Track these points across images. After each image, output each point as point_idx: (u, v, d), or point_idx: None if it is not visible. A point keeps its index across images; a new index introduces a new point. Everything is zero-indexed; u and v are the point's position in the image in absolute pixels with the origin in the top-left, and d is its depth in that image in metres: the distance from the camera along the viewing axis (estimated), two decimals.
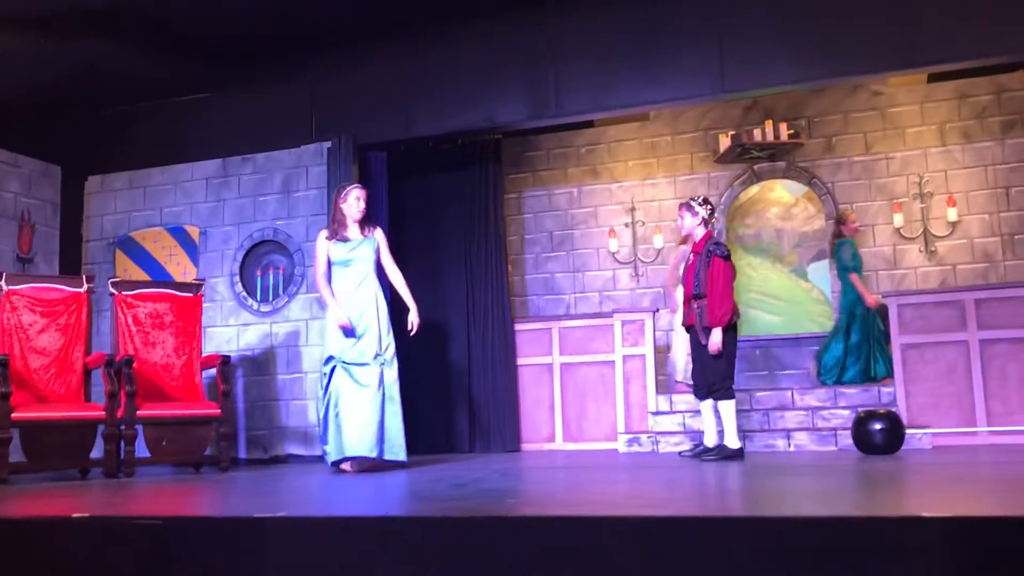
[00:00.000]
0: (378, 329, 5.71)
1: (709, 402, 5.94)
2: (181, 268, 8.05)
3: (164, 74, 7.86)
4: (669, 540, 2.47)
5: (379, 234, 5.94)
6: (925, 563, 2.22)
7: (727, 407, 5.82)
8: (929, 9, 6.44)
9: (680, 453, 6.20)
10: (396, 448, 5.64)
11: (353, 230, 5.85)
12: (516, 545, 2.59)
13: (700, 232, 6.02)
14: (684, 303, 6.10)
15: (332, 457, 5.62)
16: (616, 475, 4.88)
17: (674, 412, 7.28)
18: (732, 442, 5.80)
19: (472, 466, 5.92)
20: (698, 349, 5.94)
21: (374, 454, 5.53)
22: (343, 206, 5.85)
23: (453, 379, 7.90)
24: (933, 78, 8.40)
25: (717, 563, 2.39)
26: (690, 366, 6.45)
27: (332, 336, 5.71)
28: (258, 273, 7.90)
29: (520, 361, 7.82)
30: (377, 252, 5.87)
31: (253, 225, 7.93)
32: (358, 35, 7.66)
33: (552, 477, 4.84)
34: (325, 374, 5.71)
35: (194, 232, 8.08)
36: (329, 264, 5.80)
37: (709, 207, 6.05)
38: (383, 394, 5.62)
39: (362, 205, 5.86)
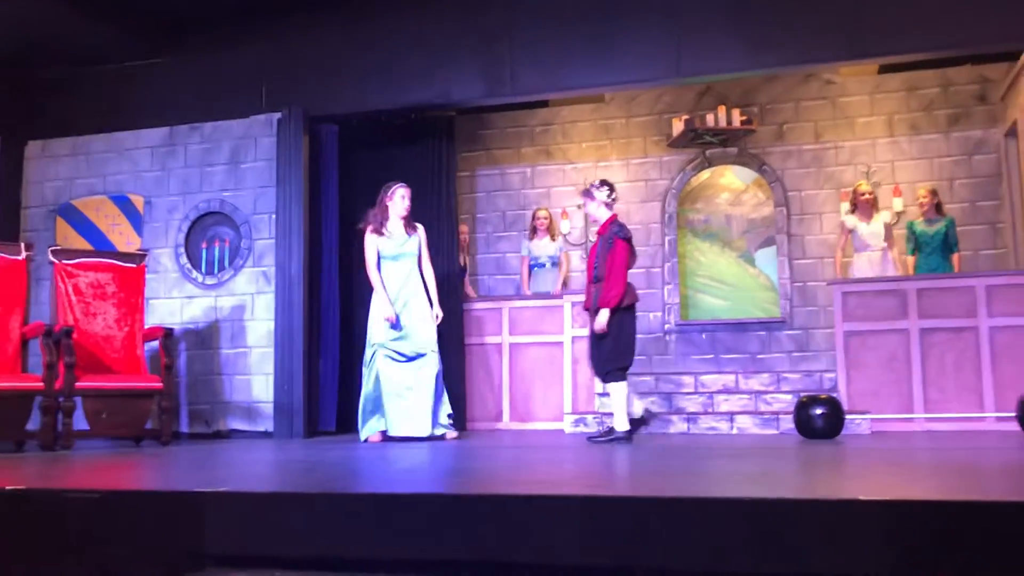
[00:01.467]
0: (425, 320, 6.31)
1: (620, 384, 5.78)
2: (124, 238, 7.87)
3: (110, 38, 7.65)
4: (611, 520, 2.49)
5: (421, 231, 6.51)
6: (861, 545, 2.26)
7: (617, 389, 5.76)
8: (879, 3, 6.52)
9: (588, 438, 5.92)
10: (444, 423, 6.32)
11: (397, 226, 6.38)
12: (462, 523, 2.58)
13: (604, 214, 5.93)
14: (587, 286, 6.00)
15: (366, 434, 6.28)
16: (562, 455, 4.90)
17: None
18: (621, 424, 5.73)
19: (419, 444, 5.91)
20: (594, 333, 5.83)
21: (425, 433, 6.14)
22: (389, 204, 6.37)
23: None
24: (883, 70, 8.53)
25: (656, 543, 2.41)
26: None
27: (376, 325, 6.30)
28: (204, 245, 7.76)
29: (469, 340, 7.80)
30: (419, 247, 6.41)
31: (199, 196, 7.78)
32: (313, 4, 7.53)
33: (499, 456, 4.84)
34: (368, 360, 6.32)
35: (138, 201, 7.91)
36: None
37: (608, 189, 5.97)
38: (435, 378, 6.24)
39: (407, 203, 6.42)
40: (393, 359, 6.27)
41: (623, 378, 5.78)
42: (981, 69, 8.32)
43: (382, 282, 6.34)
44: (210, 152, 7.82)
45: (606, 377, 5.83)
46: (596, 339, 5.82)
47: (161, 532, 2.79)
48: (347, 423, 7.76)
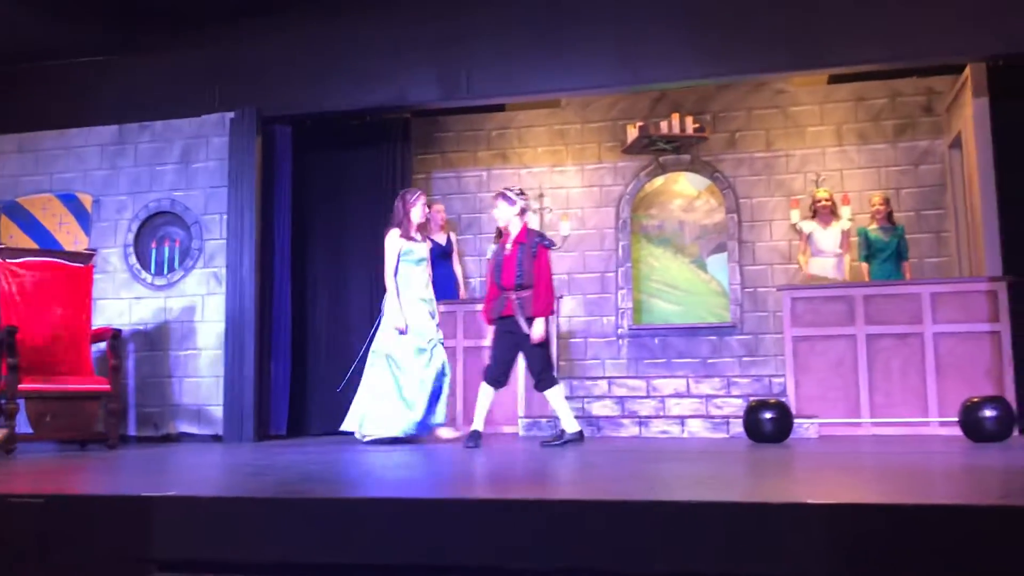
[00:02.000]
0: (433, 318, 6.45)
1: (491, 390, 5.82)
2: (72, 237, 7.72)
3: (59, 33, 7.51)
4: (563, 523, 2.50)
5: (454, 236, 6.87)
6: (808, 548, 2.30)
7: (555, 393, 5.81)
8: (832, 13, 6.66)
9: (468, 445, 5.82)
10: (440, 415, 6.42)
11: (415, 232, 6.42)
12: (412, 525, 2.58)
13: (518, 223, 5.87)
14: (493, 295, 5.93)
15: (371, 434, 6.23)
16: (514, 459, 4.91)
17: (573, 397, 7.36)
18: (570, 426, 5.76)
19: (371, 447, 5.88)
20: (510, 340, 5.77)
21: (416, 430, 6.27)
22: (412, 210, 6.34)
23: (352, 360, 7.79)
24: (833, 80, 8.69)
25: (605, 546, 2.42)
26: None
27: (388, 332, 6.30)
28: (153, 245, 7.65)
29: None
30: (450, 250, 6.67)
31: (149, 195, 7.66)
32: (268, 4, 7.46)
33: (452, 459, 4.84)
34: (373, 364, 6.33)
35: (87, 200, 7.76)
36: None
37: (525, 198, 5.98)
38: (438, 372, 6.33)
39: (427, 210, 6.54)
40: (398, 363, 6.26)
41: (557, 381, 5.84)
42: (927, 81, 8.52)
43: (397, 288, 6.31)
44: (161, 151, 7.71)
45: (542, 384, 5.80)
46: (528, 348, 5.76)
47: (107, 537, 2.74)
48: (298, 427, 7.69)
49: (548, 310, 5.75)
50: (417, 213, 6.38)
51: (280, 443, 6.72)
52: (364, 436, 6.27)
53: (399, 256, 6.32)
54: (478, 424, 5.83)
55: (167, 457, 5.27)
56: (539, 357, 5.75)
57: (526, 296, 5.72)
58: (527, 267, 5.72)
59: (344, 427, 6.38)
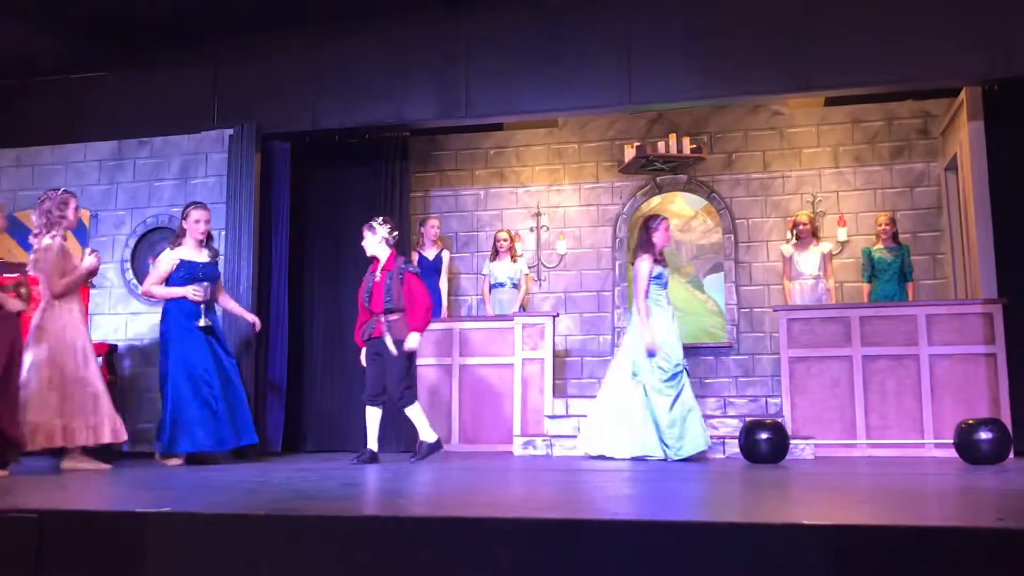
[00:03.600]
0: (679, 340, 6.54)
1: (378, 410, 6.19)
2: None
3: (59, 49, 7.55)
4: (559, 542, 2.50)
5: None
6: (803, 568, 2.30)
7: (415, 410, 6.16)
8: (827, 38, 6.71)
9: (354, 461, 6.08)
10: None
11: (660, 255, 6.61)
12: (408, 546, 2.57)
13: (385, 251, 6.29)
14: (364, 319, 6.28)
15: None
16: (510, 477, 4.90)
17: (569, 416, 7.35)
18: (428, 436, 6.16)
19: (366, 465, 5.86)
20: (380, 361, 6.13)
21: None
22: (655, 235, 6.49)
23: (350, 377, 7.78)
24: (829, 102, 8.74)
25: (605, 565, 2.42)
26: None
27: (638, 354, 6.39)
28: (150, 261, 7.62)
29: (419, 361, 7.74)
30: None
31: (147, 211, 7.68)
32: (267, 21, 7.50)
33: (447, 478, 4.83)
34: (618, 384, 6.51)
35: (85, 215, 7.76)
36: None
37: (390, 226, 6.34)
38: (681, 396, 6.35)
39: (669, 235, 6.70)
40: (653, 382, 6.36)
41: (414, 400, 6.18)
42: (923, 104, 8.57)
43: (648, 311, 6.39)
44: (159, 167, 7.73)
45: (401, 401, 6.11)
46: (392, 368, 6.08)
47: (101, 553, 2.73)
48: (292, 442, 7.67)
49: (422, 327, 6.16)
50: (660, 237, 6.53)
51: (275, 460, 6.70)
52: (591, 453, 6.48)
53: (650, 279, 6.47)
54: (371, 443, 6.17)
55: (161, 473, 5.25)
56: (400, 376, 6.10)
57: (394, 319, 6.13)
58: (395, 292, 6.15)
59: (585, 449, 6.54)
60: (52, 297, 5.51)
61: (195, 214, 6.31)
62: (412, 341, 6.11)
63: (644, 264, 6.47)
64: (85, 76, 7.93)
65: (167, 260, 6.19)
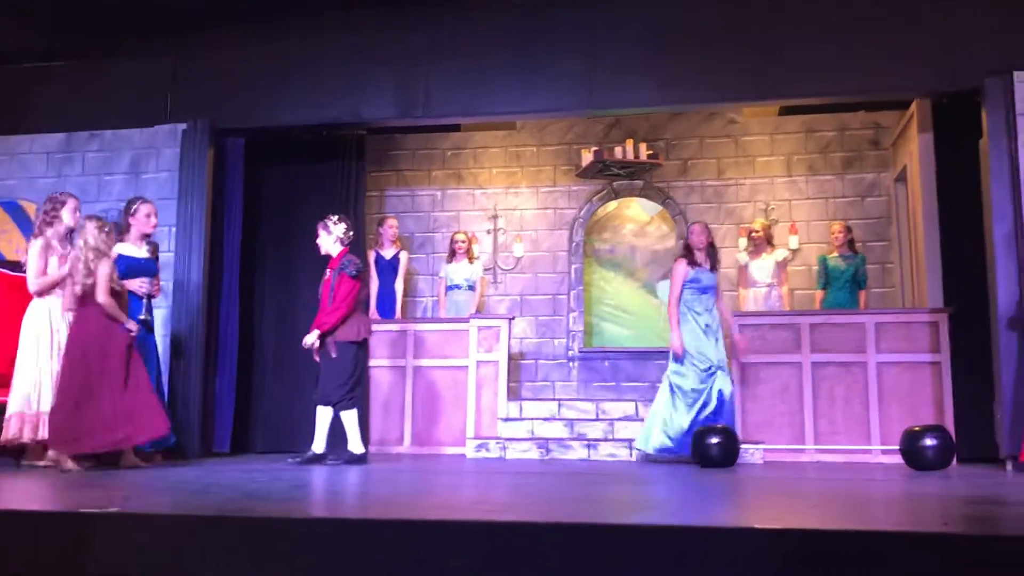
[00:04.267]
0: (717, 344, 6.65)
1: (328, 410, 6.16)
2: (12, 246, 7.52)
3: (5, 37, 7.34)
4: (511, 545, 2.49)
5: None
6: (756, 572, 2.31)
7: (349, 416, 6.11)
8: (784, 48, 6.79)
9: (288, 460, 6.18)
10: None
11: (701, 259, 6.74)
12: (360, 548, 2.54)
13: (336, 249, 6.29)
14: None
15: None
16: (463, 480, 4.88)
17: (523, 419, 7.35)
18: (356, 447, 6.12)
19: (316, 467, 5.80)
20: (327, 361, 6.14)
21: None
22: (695, 238, 6.69)
23: (302, 376, 7.69)
24: (784, 112, 8.86)
25: (555, 568, 2.41)
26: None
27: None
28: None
29: (373, 362, 7.70)
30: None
31: (96, 205, 7.47)
32: (222, 14, 7.37)
33: (399, 480, 4.79)
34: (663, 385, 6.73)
35: (30, 208, 7.56)
36: None
37: (345, 225, 6.33)
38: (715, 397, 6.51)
39: (700, 239, 6.74)
40: (684, 384, 6.56)
41: (354, 406, 6.15)
42: (875, 116, 8.72)
43: (679, 316, 6.60)
44: (109, 160, 7.57)
45: (339, 405, 6.09)
46: (331, 368, 6.09)
47: (46, 555, 2.66)
48: (242, 444, 7.56)
49: (324, 326, 6.06)
50: (694, 239, 6.64)
51: (224, 460, 6.60)
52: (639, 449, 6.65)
53: (684, 283, 6.55)
54: (317, 445, 6.12)
55: (108, 473, 5.14)
56: (340, 378, 6.07)
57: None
58: (337, 291, 6.12)
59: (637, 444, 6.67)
60: (33, 295, 5.66)
61: (145, 208, 6.23)
62: (308, 338, 6.10)
63: (677, 267, 6.64)
64: (34, 66, 7.73)
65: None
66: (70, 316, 5.64)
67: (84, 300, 5.52)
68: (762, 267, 8.08)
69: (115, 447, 5.48)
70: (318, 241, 6.38)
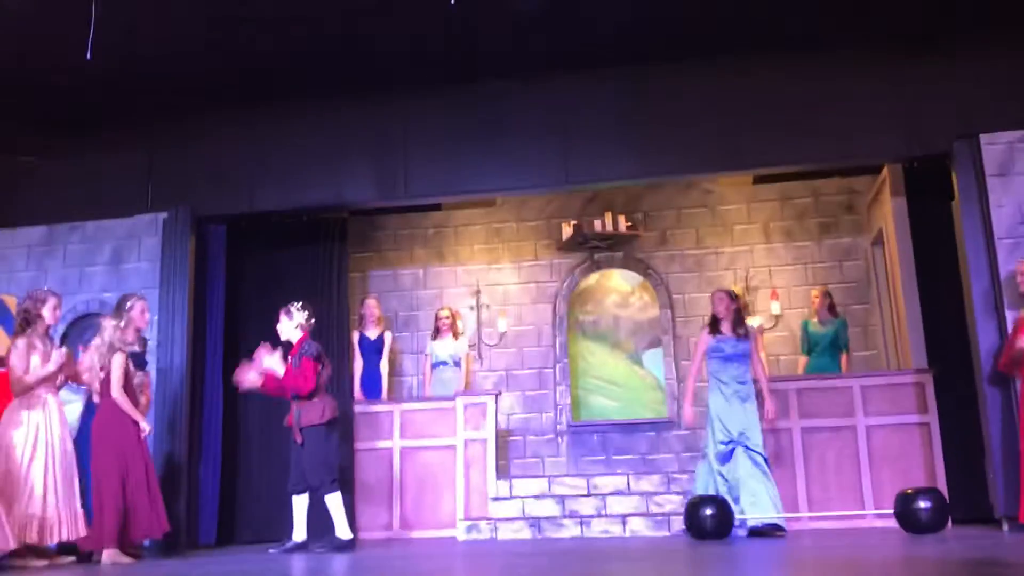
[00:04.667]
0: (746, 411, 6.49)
1: (304, 497, 6.12)
2: None
3: None
4: None
5: None
6: None
7: (334, 500, 6.06)
8: (755, 119, 6.94)
9: (270, 550, 6.13)
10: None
11: (727, 329, 6.68)
12: None
13: (296, 335, 6.32)
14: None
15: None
16: (455, 563, 4.79)
17: (513, 498, 7.25)
18: (344, 533, 6.04)
19: (305, 555, 5.68)
20: (296, 450, 6.14)
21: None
22: (718, 309, 6.66)
23: (287, 465, 7.58)
24: (758, 180, 9.01)
25: None
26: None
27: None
28: (81, 348, 7.40)
29: (358, 445, 7.61)
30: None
31: (78, 297, 7.47)
32: (202, 104, 7.48)
33: (389, 567, 4.70)
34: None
35: (11, 302, 7.51)
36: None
37: (307, 312, 6.39)
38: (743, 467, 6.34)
39: (724, 308, 6.71)
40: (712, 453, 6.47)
41: (338, 488, 6.08)
42: (848, 181, 8.87)
43: (693, 385, 6.74)
44: (91, 252, 7.56)
45: (321, 489, 6.03)
46: (309, 456, 6.07)
47: None
48: (228, 535, 7.41)
49: (272, 384, 6.17)
50: (716, 307, 6.66)
51: (211, 553, 6.46)
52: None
53: (708, 353, 6.57)
54: (297, 534, 6.10)
55: (90, 572, 5.01)
56: (316, 462, 6.04)
57: (304, 406, 6.13)
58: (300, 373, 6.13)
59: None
60: (16, 394, 5.61)
61: (140, 305, 6.35)
62: (250, 375, 6.18)
63: (701, 337, 6.70)
64: (13, 160, 7.77)
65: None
66: (54, 406, 5.61)
67: (101, 398, 5.69)
68: None
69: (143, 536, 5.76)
70: (278, 327, 6.39)
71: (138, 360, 6.25)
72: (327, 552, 5.88)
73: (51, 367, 5.56)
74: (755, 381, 6.61)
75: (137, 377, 6.12)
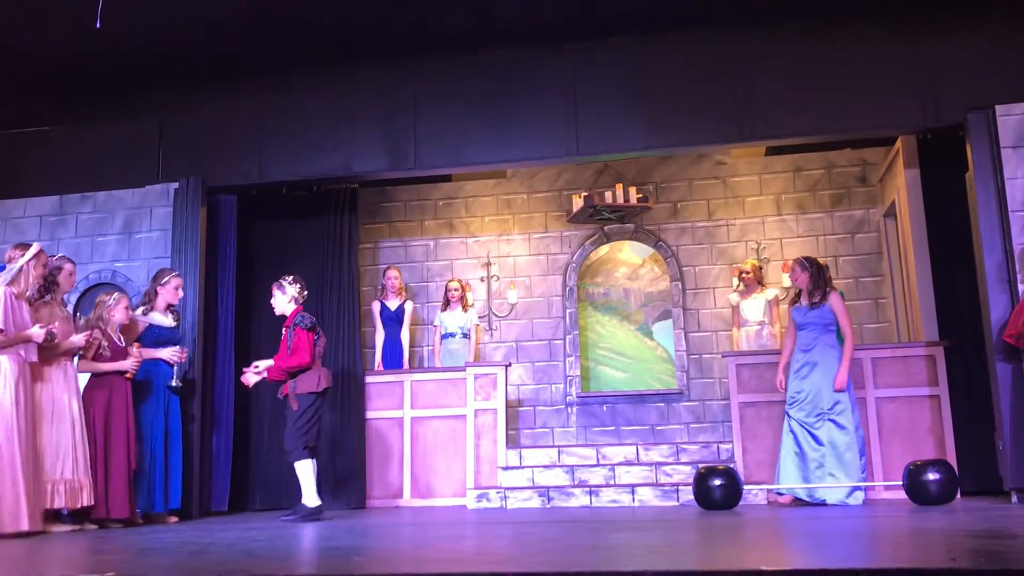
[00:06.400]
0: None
1: (309, 462, 6.05)
2: None
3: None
4: None
5: None
6: None
7: (304, 467, 5.99)
8: (766, 89, 6.89)
9: (281, 518, 6.12)
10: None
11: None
12: None
13: (290, 308, 6.28)
14: (275, 375, 6.23)
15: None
16: (465, 531, 4.83)
17: (523, 467, 7.30)
18: (311, 501, 5.98)
19: (317, 523, 5.74)
20: (289, 414, 6.11)
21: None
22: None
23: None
24: (771, 152, 8.95)
25: None
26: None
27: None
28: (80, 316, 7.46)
29: (370, 414, 7.67)
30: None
31: (90, 266, 7.52)
32: (212, 74, 7.48)
33: (400, 534, 4.75)
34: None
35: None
36: None
37: (299, 285, 6.33)
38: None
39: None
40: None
41: (309, 456, 6.01)
42: (861, 153, 8.82)
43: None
44: (102, 222, 7.60)
45: (292, 454, 6.01)
46: (292, 422, 6.05)
47: None
48: (240, 502, 7.49)
49: (274, 375, 6.12)
50: (791, 277, 6.70)
51: (223, 519, 6.53)
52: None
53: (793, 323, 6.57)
54: (309, 499, 6.01)
55: (104, 537, 5.07)
56: (297, 429, 6.00)
57: (299, 378, 6.08)
58: (295, 344, 6.09)
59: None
60: None
61: (176, 281, 6.59)
62: (251, 377, 6.26)
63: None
64: (25, 131, 7.80)
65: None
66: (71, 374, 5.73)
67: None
68: (753, 306, 8.13)
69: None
70: (272, 301, 6.38)
71: (173, 336, 6.59)
72: (296, 521, 5.83)
73: (38, 331, 5.35)
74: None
75: (175, 353, 6.43)
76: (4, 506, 5.04)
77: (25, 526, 5.05)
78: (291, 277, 6.38)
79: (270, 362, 6.21)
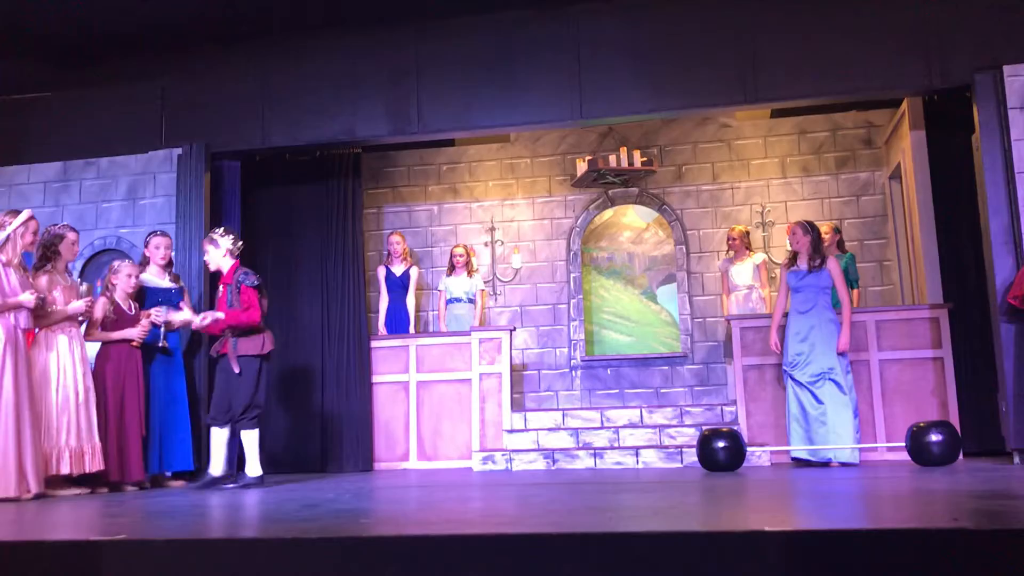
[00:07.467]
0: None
1: (225, 431, 5.83)
2: None
3: (2, 69, 7.37)
4: (521, 557, 2.49)
5: None
6: (766, 574, 2.32)
7: (250, 437, 5.81)
8: (771, 51, 6.83)
9: (189, 485, 6.02)
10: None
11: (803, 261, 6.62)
12: (371, 565, 2.55)
13: (227, 263, 5.99)
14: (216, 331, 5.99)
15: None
16: (470, 493, 4.88)
17: (528, 430, 7.35)
18: (254, 471, 5.80)
19: (324, 486, 5.79)
20: (226, 378, 5.84)
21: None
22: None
23: (305, 396, 7.71)
24: (776, 114, 8.90)
25: None
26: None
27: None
28: (98, 283, 7.48)
29: (375, 379, 7.72)
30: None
31: (95, 233, 7.53)
32: (214, 39, 7.43)
33: (406, 496, 4.80)
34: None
35: None
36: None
37: (232, 236, 6.06)
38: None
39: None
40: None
41: (256, 425, 5.84)
42: (866, 115, 8.76)
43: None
44: (106, 188, 7.60)
45: (242, 422, 5.78)
46: (233, 386, 5.79)
47: None
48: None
49: (219, 327, 5.85)
50: (789, 240, 6.65)
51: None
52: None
53: (787, 286, 6.59)
54: (215, 467, 5.82)
55: (110, 500, 5.13)
56: (246, 395, 5.77)
57: (240, 335, 5.83)
58: (236, 304, 5.83)
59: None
60: None
61: (155, 240, 6.59)
62: (182, 316, 6.21)
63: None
64: (28, 97, 7.77)
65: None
66: (77, 341, 5.76)
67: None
68: (741, 271, 8.14)
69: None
70: (205, 258, 6.11)
71: (165, 296, 6.52)
72: (237, 489, 5.64)
73: (29, 297, 5.29)
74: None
75: (160, 312, 6.29)
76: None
77: (13, 492, 5.05)
78: (221, 229, 6.10)
79: (220, 315, 5.86)
